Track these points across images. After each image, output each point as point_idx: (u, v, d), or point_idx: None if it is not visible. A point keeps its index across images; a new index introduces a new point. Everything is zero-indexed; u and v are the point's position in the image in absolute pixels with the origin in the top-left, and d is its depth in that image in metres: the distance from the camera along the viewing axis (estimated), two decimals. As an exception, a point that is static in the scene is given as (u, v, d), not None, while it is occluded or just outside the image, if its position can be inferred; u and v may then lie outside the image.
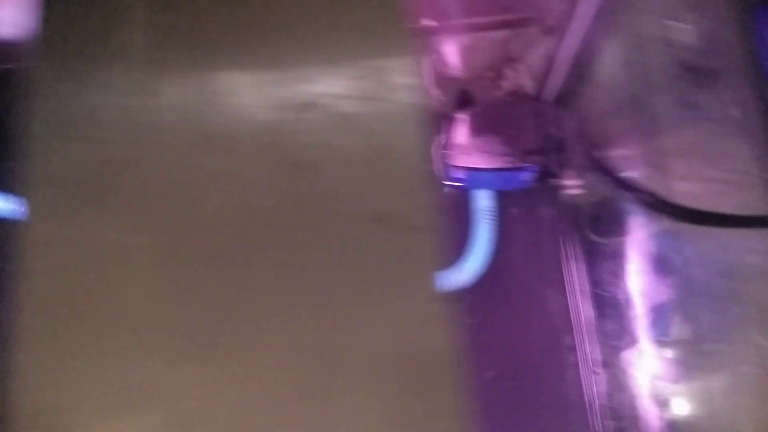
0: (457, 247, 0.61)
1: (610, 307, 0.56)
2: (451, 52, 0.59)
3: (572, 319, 0.60)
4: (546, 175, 0.61)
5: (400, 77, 0.20)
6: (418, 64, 0.20)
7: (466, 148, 0.59)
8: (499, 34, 0.59)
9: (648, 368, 0.56)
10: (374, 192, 0.19)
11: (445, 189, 0.64)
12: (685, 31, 0.36)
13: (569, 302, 0.61)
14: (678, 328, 0.54)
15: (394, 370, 0.18)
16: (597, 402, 0.56)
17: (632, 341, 0.57)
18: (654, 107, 0.40)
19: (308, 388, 0.18)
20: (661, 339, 0.55)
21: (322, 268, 0.18)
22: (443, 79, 0.60)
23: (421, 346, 0.18)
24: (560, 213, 0.62)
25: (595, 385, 0.56)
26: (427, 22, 0.54)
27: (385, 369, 0.18)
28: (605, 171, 0.24)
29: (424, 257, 0.18)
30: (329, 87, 0.20)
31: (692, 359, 0.53)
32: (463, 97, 0.60)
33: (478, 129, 0.59)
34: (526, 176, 0.59)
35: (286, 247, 0.18)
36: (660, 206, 0.23)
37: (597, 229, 0.59)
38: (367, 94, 0.19)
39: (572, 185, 0.60)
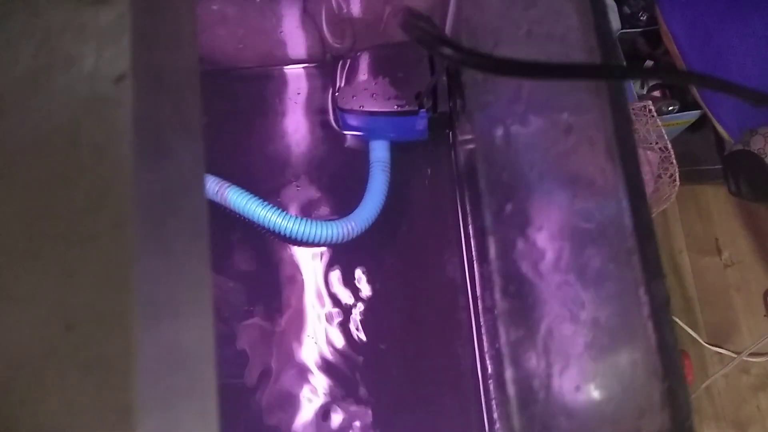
0: (352, 197, 0.59)
1: (506, 265, 0.54)
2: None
3: (466, 275, 0.58)
4: (441, 123, 0.59)
5: None
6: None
7: (358, 91, 0.56)
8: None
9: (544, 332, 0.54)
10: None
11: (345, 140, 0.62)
12: None
13: (464, 258, 0.59)
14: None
15: (55, 155, 0.15)
16: (488, 364, 0.54)
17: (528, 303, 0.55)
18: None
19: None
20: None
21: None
22: (338, 23, 0.57)
23: (88, 129, 0.15)
24: (457, 169, 0.60)
25: (486, 346, 0.54)
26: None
27: (42, 154, 0.15)
28: (421, 30, 0.22)
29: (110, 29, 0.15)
30: None
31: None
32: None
33: (372, 72, 0.56)
34: (421, 124, 0.57)
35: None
36: (471, 59, 0.21)
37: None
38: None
39: (468, 139, 0.58)
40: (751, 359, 1.11)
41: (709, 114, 0.90)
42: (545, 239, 0.28)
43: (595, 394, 0.26)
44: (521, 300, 0.29)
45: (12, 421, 0.13)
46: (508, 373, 0.28)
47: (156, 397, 0.13)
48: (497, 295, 0.29)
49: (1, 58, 0.15)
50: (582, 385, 0.26)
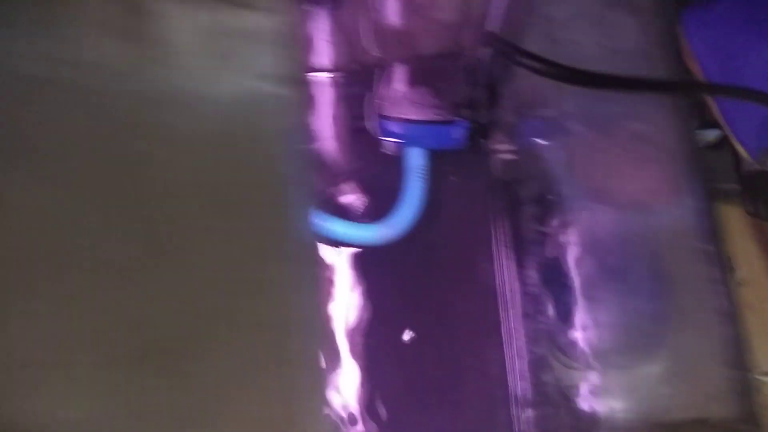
0: (388, 203, 0.60)
1: (538, 284, 0.55)
2: (392, 4, 0.59)
3: (498, 289, 0.59)
4: (478, 133, 0.60)
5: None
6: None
7: (398, 99, 0.58)
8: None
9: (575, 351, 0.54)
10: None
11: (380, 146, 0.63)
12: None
13: (496, 272, 0.60)
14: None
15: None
16: (519, 379, 0.55)
17: (560, 320, 0.56)
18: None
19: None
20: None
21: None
22: (380, 32, 0.59)
23: (258, 121, 0.16)
24: (493, 179, 0.62)
25: (517, 361, 0.55)
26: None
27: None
28: (500, 42, 0.24)
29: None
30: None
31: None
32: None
33: (411, 81, 0.58)
34: (458, 133, 0.59)
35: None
36: (553, 71, 0.22)
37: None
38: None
39: (504, 149, 0.60)
40: (763, 378, 1.11)
41: (729, 132, 0.91)
42: (610, 238, 0.29)
43: (666, 381, 0.27)
44: (585, 294, 0.30)
45: (188, 369, 0.14)
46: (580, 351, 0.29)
47: (304, 358, 0.15)
48: (570, 270, 0.30)
49: (173, 57, 0.17)
50: (653, 372, 0.27)
